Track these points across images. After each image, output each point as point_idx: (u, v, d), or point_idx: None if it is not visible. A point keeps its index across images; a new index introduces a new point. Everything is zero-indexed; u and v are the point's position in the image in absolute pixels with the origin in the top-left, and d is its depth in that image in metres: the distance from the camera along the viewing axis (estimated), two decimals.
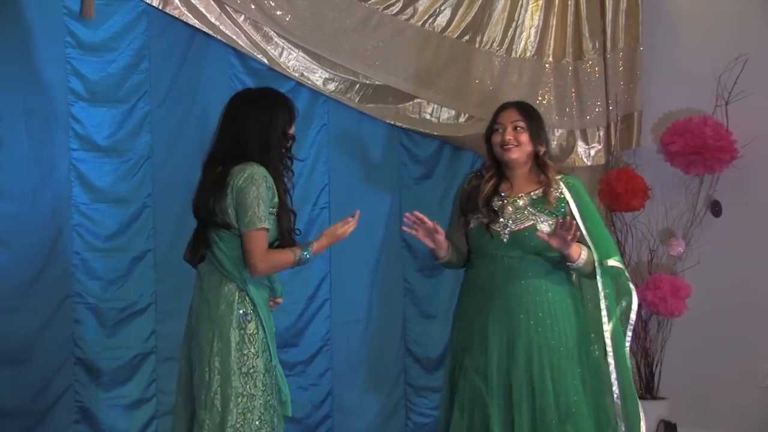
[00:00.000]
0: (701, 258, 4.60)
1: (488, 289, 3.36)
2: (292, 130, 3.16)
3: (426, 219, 3.34)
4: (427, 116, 4.53)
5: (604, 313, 3.36)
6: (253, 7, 4.09)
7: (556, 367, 3.30)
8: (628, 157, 4.77)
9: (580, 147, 4.77)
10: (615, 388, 3.34)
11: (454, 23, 4.57)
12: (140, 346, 4.03)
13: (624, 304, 3.41)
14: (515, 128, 3.40)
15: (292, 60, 4.23)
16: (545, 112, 4.70)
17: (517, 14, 4.67)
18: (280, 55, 4.21)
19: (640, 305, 3.50)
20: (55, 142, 3.88)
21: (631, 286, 3.43)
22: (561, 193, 3.39)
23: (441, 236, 3.38)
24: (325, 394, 4.38)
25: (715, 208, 4.63)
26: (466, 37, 4.59)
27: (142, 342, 4.04)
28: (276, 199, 3.05)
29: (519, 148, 3.39)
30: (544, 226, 3.32)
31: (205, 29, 4.05)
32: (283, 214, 3.09)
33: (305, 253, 3.08)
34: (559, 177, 3.43)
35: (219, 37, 4.08)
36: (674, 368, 4.68)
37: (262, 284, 3.12)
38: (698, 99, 4.63)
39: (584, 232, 3.34)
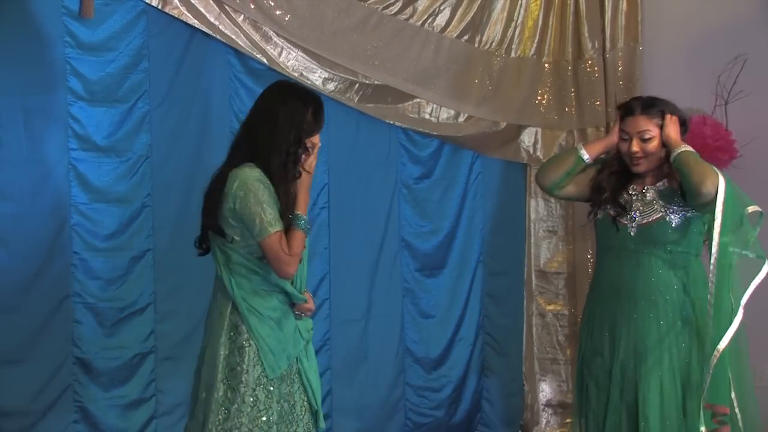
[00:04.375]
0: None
1: (617, 288, 3.29)
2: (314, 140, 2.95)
3: None
4: (427, 116, 4.52)
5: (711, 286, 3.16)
6: (252, 6, 4.09)
7: (682, 370, 3.23)
8: None
9: None
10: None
11: (453, 23, 4.57)
12: (139, 346, 4.03)
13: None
14: (642, 139, 3.29)
15: (291, 60, 4.23)
16: (544, 111, 4.72)
17: (516, 14, 4.67)
18: (280, 54, 4.21)
19: None
20: (54, 142, 3.88)
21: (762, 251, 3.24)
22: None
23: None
24: (324, 394, 4.38)
25: None
26: (466, 37, 4.60)
27: (141, 342, 4.03)
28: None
29: (647, 159, 3.30)
30: (674, 218, 3.26)
31: (204, 29, 4.05)
32: (289, 203, 2.90)
33: (300, 222, 2.88)
34: None
35: (218, 36, 4.07)
36: None
37: (265, 293, 2.91)
38: (697, 99, 4.62)
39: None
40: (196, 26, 4.04)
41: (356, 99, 4.37)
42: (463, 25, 4.58)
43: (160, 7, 3.96)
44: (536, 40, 4.71)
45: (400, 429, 4.58)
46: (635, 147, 3.28)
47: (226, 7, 4.06)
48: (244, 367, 2.85)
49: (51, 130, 3.87)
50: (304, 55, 4.24)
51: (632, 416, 3.24)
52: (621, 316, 3.28)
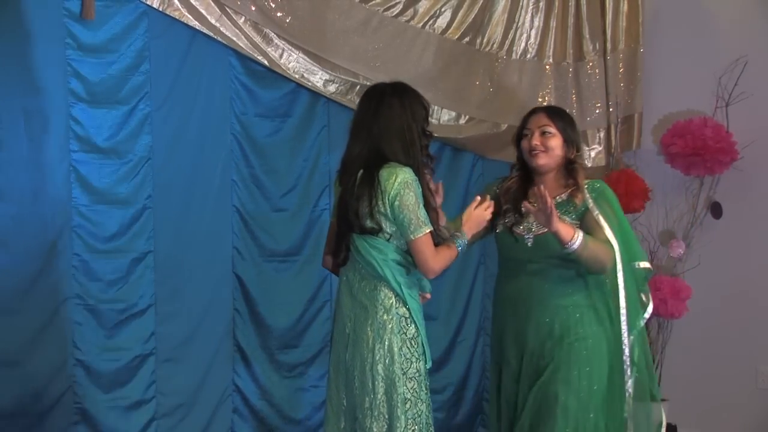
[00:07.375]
0: (701, 259, 4.60)
1: (515, 296, 3.30)
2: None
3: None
4: None
5: (624, 321, 3.26)
6: (253, 8, 4.09)
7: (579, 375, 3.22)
8: (629, 159, 4.77)
9: None
10: (629, 388, 3.27)
11: (454, 25, 4.57)
12: (140, 348, 4.03)
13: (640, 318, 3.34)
14: (543, 133, 3.30)
15: (292, 61, 4.23)
16: None
17: (517, 15, 4.67)
18: (281, 56, 4.21)
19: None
20: (55, 144, 3.87)
21: (649, 298, 3.40)
22: (585, 197, 3.29)
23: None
24: (325, 396, 4.36)
25: (716, 210, 4.63)
26: (467, 39, 4.60)
27: (141, 343, 4.03)
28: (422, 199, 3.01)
29: (546, 154, 3.30)
30: None
31: (205, 31, 4.05)
32: (430, 213, 3.03)
33: (460, 243, 3.07)
34: (585, 182, 3.34)
35: (219, 38, 4.07)
36: (674, 370, 4.68)
37: (414, 285, 3.07)
38: (698, 100, 4.63)
39: (607, 232, 3.23)
40: (197, 28, 4.04)
41: (357, 101, 4.35)
42: (464, 26, 4.58)
43: (161, 9, 3.96)
44: (537, 42, 4.71)
45: None
46: (536, 140, 3.30)
47: (227, 8, 4.06)
48: (417, 356, 3.00)
49: (52, 132, 3.86)
50: (305, 57, 4.24)
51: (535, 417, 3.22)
52: (520, 322, 3.27)
